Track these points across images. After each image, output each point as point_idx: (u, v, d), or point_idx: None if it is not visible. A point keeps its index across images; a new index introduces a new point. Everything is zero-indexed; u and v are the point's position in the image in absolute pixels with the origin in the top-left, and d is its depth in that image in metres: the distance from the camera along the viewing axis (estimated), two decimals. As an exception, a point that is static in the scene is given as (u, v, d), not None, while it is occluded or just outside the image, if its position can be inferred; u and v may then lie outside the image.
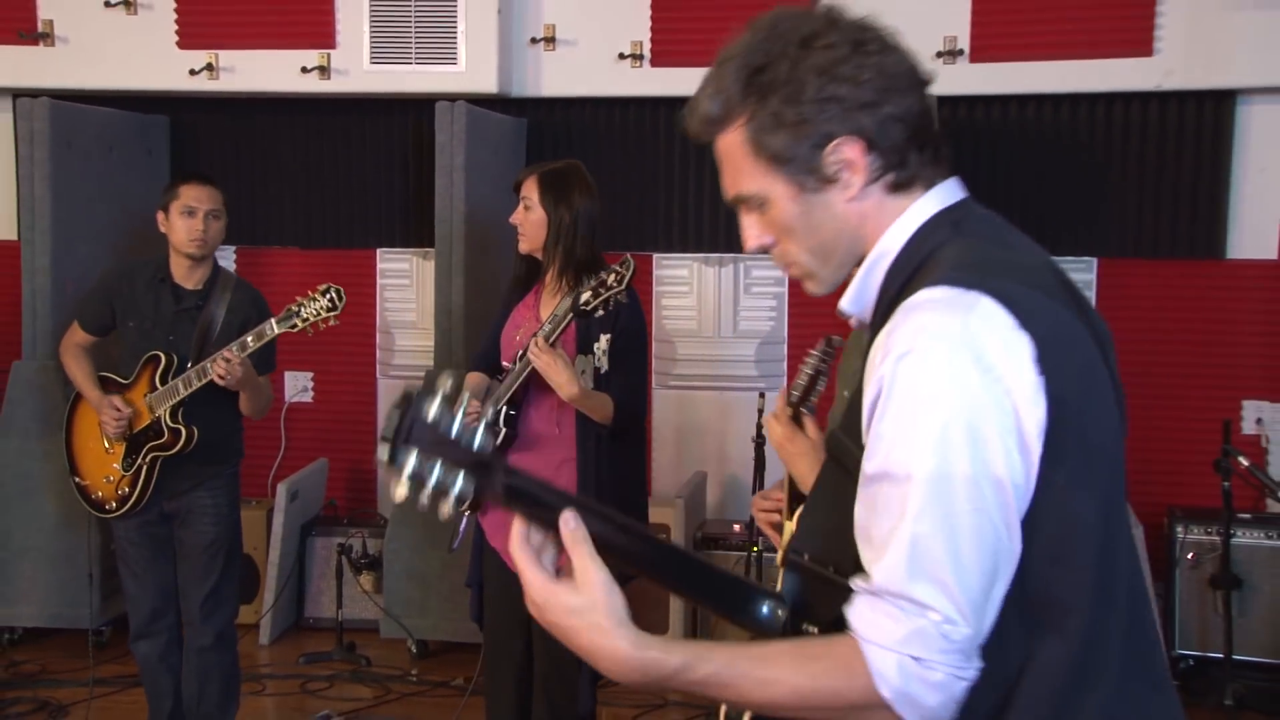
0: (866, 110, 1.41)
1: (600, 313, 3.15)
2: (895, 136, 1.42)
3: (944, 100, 4.82)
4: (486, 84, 5.10)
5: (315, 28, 5.17)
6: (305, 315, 3.55)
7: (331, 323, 3.58)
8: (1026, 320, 1.31)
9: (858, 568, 1.35)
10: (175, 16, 5.22)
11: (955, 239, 1.43)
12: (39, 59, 5.25)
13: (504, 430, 3.33)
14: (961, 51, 4.90)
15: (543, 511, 1.35)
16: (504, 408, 3.32)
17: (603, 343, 3.27)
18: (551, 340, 3.18)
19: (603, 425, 3.30)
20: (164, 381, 3.73)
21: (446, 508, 1.31)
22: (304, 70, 5.15)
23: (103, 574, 4.80)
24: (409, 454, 1.28)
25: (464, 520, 3.52)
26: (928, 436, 1.28)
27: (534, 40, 5.22)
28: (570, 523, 1.33)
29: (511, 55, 5.20)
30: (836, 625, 1.36)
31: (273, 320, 3.59)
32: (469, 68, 5.09)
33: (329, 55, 5.16)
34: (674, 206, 5.36)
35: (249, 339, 3.60)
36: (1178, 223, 5.02)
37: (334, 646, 5.05)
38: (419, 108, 5.24)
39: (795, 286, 5.28)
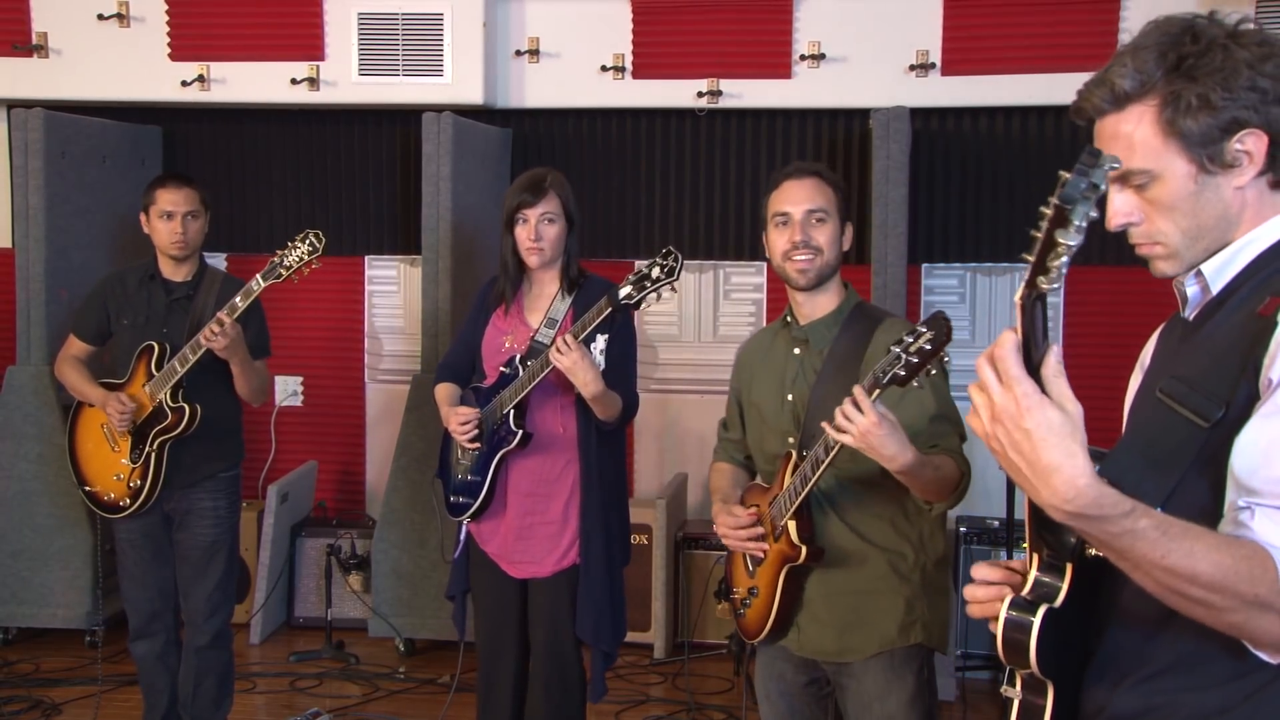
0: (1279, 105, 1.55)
1: (644, 305, 3.12)
2: None
3: (916, 112, 4.96)
4: (472, 95, 5.18)
5: (304, 40, 5.24)
6: (288, 264, 3.56)
7: (315, 265, 3.55)
8: None
9: (1159, 503, 1.50)
10: (167, 29, 5.28)
11: None
12: (33, 70, 5.31)
13: (520, 432, 3.32)
14: (933, 65, 5.02)
15: (1037, 339, 1.44)
16: (511, 410, 3.32)
17: (600, 343, 3.26)
18: (581, 339, 3.16)
19: (606, 422, 3.31)
20: (159, 369, 3.77)
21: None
22: (293, 81, 5.23)
23: (96, 575, 4.91)
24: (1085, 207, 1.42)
25: (463, 529, 3.54)
26: None
27: (519, 53, 5.30)
28: (1058, 354, 1.44)
29: (497, 67, 5.29)
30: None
31: (258, 276, 3.59)
32: (455, 79, 5.16)
33: (318, 67, 5.24)
34: (655, 214, 5.42)
35: (237, 300, 3.62)
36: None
37: (323, 645, 5.11)
38: (406, 118, 5.31)
39: (773, 293, 5.38)
